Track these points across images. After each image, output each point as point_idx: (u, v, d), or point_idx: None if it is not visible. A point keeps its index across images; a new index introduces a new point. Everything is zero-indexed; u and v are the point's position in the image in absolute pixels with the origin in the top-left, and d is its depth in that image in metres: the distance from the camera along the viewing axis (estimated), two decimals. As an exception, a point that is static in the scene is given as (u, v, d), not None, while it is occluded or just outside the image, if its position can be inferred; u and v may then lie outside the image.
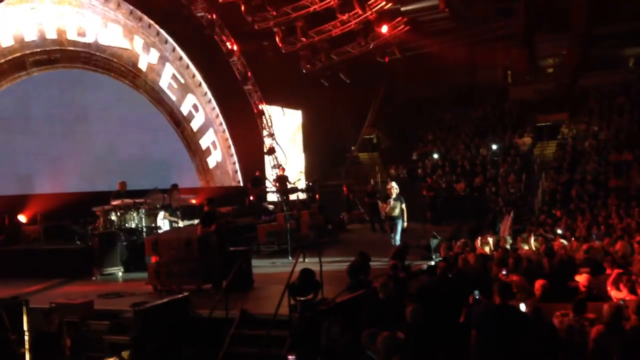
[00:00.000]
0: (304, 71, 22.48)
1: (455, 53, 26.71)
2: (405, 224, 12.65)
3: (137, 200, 12.45)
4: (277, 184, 18.70)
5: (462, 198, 21.36)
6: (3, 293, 8.86)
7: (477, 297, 6.84)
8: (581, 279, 7.76)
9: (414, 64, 26.03)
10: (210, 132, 20.19)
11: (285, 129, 23.53)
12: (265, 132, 21.94)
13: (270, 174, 21.54)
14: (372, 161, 26.81)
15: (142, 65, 17.56)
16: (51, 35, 15.01)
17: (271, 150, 21.96)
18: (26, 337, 8.11)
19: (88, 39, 15.90)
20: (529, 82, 27.79)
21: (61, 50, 15.25)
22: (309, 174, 23.80)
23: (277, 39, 20.75)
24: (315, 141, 24.29)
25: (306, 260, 10.02)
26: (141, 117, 17.46)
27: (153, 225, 12.63)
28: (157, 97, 18.12)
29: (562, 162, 22.80)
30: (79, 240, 12.76)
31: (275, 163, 21.77)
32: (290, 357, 4.75)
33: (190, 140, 19.39)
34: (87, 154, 15.19)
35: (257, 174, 19.35)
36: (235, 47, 20.43)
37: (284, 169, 20.23)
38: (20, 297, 8.18)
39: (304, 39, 21.15)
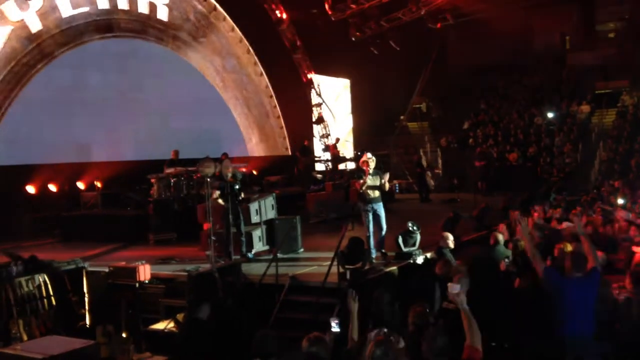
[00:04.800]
0: (352, 39, 22.16)
1: (511, 18, 25.66)
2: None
3: (189, 169, 12.75)
4: (335, 150, 18.94)
5: (514, 168, 20.86)
6: (64, 257, 9.27)
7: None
8: (639, 249, 7.49)
9: (467, 30, 25.20)
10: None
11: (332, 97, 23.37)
12: (313, 102, 21.87)
13: (319, 143, 21.56)
14: (421, 131, 26.34)
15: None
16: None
17: (320, 120, 21.91)
18: (86, 299, 8.52)
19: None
20: (588, 48, 26.55)
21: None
22: (357, 143, 23.66)
23: (326, 6, 20.47)
24: (363, 110, 24.04)
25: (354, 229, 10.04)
26: (193, 88, 17.58)
27: (205, 192, 12.88)
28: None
29: (622, 131, 21.89)
30: (135, 207, 13.18)
31: (324, 132, 21.73)
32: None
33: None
34: (142, 123, 15.53)
35: (305, 143, 19.41)
36: (284, 16, 20.29)
37: (338, 139, 20.29)
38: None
39: (353, 6, 20.79)
